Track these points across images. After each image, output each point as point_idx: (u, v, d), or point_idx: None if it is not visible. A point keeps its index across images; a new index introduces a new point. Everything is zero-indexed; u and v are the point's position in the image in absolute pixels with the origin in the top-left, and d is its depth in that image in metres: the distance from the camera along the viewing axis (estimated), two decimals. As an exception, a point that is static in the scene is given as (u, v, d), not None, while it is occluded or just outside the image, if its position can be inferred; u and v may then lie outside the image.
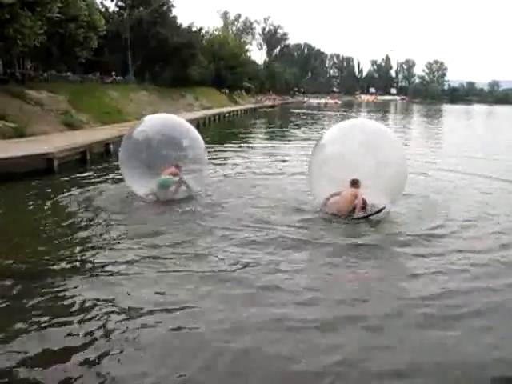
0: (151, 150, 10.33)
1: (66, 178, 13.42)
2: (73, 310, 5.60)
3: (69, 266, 6.92)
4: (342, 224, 8.89)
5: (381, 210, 8.92)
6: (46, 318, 5.36)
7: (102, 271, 6.71)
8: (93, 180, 13.25)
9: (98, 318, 5.39)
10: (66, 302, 5.78)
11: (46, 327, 5.19)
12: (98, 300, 5.80)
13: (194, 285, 6.27)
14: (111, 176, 13.60)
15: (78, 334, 5.05)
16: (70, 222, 9.07)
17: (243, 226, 8.72)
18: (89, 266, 6.92)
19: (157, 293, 6.03)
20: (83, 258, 7.23)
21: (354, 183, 8.97)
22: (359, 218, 8.97)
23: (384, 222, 9.13)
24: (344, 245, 7.86)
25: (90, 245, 7.76)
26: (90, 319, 5.36)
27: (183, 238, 8.03)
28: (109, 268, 6.80)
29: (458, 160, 18.51)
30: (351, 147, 9.18)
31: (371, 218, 9.03)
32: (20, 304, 5.70)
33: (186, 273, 6.65)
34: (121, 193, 11.18)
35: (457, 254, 7.47)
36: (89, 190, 11.73)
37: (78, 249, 7.59)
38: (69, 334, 5.05)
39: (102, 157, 17.65)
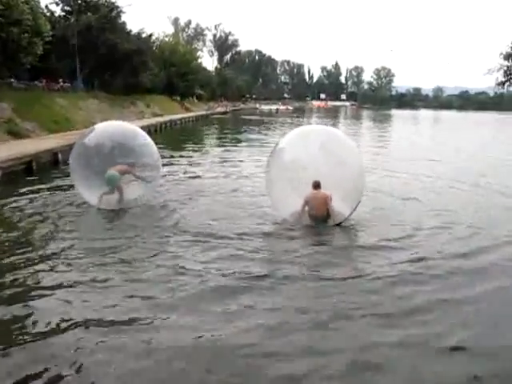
0: (102, 157, 10.10)
1: (11, 189, 12.77)
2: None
3: (11, 278, 6.58)
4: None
5: (351, 212, 9.06)
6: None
7: (42, 284, 6.38)
8: (39, 190, 12.70)
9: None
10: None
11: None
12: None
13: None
14: (59, 185, 13.24)
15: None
16: (15, 232, 8.67)
17: (202, 236, 8.51)
18: (34, 278, 6.59)
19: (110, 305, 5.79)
20: (27, 270, 6.88)
21: (317, 185, 8.89)
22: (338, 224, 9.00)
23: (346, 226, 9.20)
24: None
25: (34, 256, 7.43)
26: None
27: (133, 249, 7.81)
28: (51, 279, 6.54)
29: (409, 163, 18.95)
30: (310, 151, 9.16)
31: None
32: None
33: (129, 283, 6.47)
34: (69, 202, 10.96)
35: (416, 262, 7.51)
36: (35, 200, 11.33)
37: (20, 261, 7.22)
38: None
39: (49, 166, 17.01)
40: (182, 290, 6.25)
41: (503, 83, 38.43)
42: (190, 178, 15.12)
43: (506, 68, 37.42)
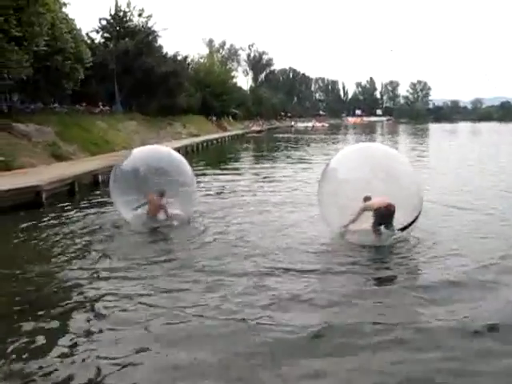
0: (139, 179, 10.65)
1: (55, 211, 13.29)
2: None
3: (55, 299, 6.85)
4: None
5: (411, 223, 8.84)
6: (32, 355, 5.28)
7: (85, 305, 6.65)
8: (82, 211, 13.14)
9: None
10: (53, 340, 5.71)
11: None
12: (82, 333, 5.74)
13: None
14: (100, 206, 13.59)
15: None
16: (59, 254, 8.98)
17: (247, 256, 8.53)
18: (77, 298, 6.86)
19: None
20: (70, 293, 7.16)
21: (368, 199, 8.74)
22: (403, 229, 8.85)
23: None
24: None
25: (79, 275, 7.69)
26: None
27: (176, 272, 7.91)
28: (92, 301, 6.77)
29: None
30: (363, 172, 9.01)
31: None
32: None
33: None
34: (111, 223, 11.23)
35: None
36: (78, 221, 11.70)
37: (66, 283, 7.50)
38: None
39: (90, 187, 17.58)
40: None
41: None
42: (226, 194, 15.52)
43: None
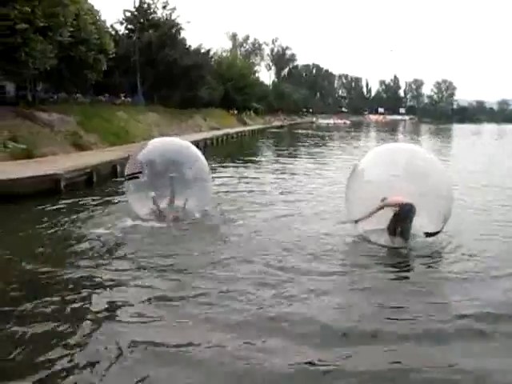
0: (153, 172, 10.67)
1: (73, 199, 13.56)
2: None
3: (70, 285, 7.02)
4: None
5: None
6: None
7: (99, 290, 6.82)
8: (98, 201, 13.40)
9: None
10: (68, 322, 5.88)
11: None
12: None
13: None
14: (117, 197, 13.78)
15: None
16: (74, 242, 9.19)
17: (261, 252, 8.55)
18: (88, 284, 7.03)
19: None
20: (84, 278, 7.33)
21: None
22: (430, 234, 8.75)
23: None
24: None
25: (93, 264, 7.88)
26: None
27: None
28: (107, 290, 6.95)
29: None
30: (393, 173, 8.89)
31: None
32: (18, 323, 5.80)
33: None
34: (126, 214, 11.30)
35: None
36: (94, 211, 11.92)
37: (79, 269, 7.67)
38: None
39: (108, 178, 17.82)
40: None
41: None
42: (241, 190, 15.57)
43: None
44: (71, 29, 23.56)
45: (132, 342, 5.34)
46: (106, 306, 6.33)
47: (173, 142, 12.11)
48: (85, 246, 8.92)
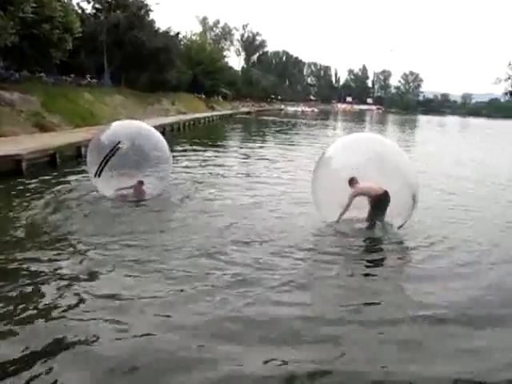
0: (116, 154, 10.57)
1: (35, 180, 13.27)
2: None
3: (33, 268, 6.85)
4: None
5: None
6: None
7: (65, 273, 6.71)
8: (61, 181, 13.18)
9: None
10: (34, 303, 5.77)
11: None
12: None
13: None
14: (80, 178, 13.57)
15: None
16: (36, 222, 9.04)
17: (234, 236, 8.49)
18: (53, 267, 6.89)
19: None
20: (47, 260, 7.18)
21: (354, 182, 8.58)
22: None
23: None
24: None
25: (54, 246, 7.74)
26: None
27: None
28: (70, 269, 6.83)
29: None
30: (360, 161, 8.83)
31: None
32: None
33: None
34: (86, 193, 11.37)
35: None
36: (57, 192, 11.71)
37: (42, 251, 7.53)
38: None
39: (72, 160, 17.46)
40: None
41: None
42: (203, 172, 15.64)
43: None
44: (34, 5, 22.81)
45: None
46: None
47: (135, 124, 12.10)
48: (41, 228, 8.74)
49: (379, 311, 6.03)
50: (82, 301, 5.84)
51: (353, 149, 9.39)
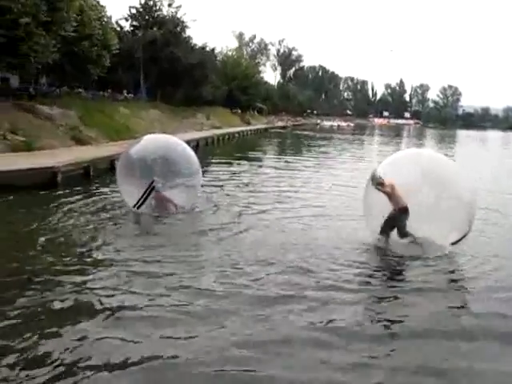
0: (144, 167, 10.83)
1: (68, 191, 13.71)
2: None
3: (65, 277, 7.05)
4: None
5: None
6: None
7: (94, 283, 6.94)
8: (94, 193, 13.65)
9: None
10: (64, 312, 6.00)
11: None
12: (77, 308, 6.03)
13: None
14: (112, 190, 13.87)
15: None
16: (69, 232, 9.37)
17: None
18: (85, 278, 7.11)
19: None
20: (79, 269, 7.43)
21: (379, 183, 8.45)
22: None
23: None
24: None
25: (87, 255, 8.02)
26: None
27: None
28: (103, 280, 7.03)
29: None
30: (410, 179, 8.57)
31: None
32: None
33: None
34: (117, 206, 11.61)
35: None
36: (89, 204, 12.08)
37: (75, 260, 7.82)
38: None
39: (106, 172, 17.94)
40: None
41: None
42: (235, 189, 15.46)
43: None
44: (75, 24, 23.77)
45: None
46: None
47: (164, 139, 12.37)
48: (76, 237, 9.04)
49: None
50: (111, 314, 5.95)
51: (402, 164, 9.21)
